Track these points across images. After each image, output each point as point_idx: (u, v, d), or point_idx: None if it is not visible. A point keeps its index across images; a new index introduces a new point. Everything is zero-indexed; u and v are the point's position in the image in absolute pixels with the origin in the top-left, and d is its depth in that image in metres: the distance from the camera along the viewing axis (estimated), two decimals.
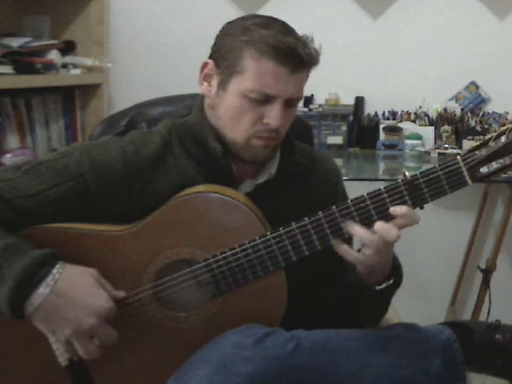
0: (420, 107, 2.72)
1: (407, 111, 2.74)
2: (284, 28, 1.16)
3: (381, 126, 2.69)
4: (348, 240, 1.14)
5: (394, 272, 1.20)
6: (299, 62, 1.14)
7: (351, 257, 1.11)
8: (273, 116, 1.15)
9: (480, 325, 1.24)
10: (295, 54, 1.13)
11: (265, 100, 1.15)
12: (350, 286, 1.21)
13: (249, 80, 1.14)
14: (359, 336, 1.12)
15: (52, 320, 1.06)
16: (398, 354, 1.10)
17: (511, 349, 1.21)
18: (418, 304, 2.82)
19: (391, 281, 1.19)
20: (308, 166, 1.30)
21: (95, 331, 1.07)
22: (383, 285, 1.18)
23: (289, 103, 1.17)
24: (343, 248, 1.11)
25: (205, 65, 1.21)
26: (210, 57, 1.21)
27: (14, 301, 1.04)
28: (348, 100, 2.74)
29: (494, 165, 1.09)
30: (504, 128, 1.09)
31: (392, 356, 1.10)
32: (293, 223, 1.12)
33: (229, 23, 1.21)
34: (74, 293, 1.06)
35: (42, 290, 1.04)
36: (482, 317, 2.53)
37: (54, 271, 1.06)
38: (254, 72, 1.14)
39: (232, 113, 1.17)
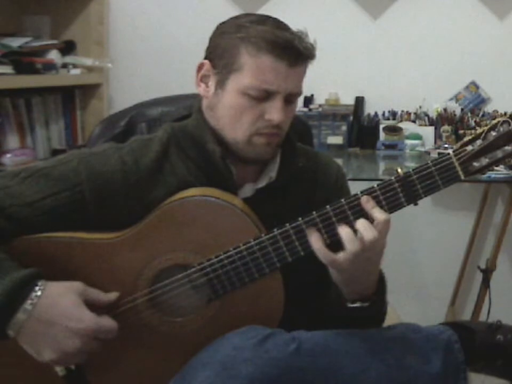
0: (420, 107, 2.72)
1: (407, 111, 2.73)
2: (279, 24, 1.15)
3: (381, 126, 2.69)
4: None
5: (376, 295, 1.16)
6: (297, 55, 1.13)
7: (323, 254, 1.07)
8: (274, 111, 1.14)
9: (481, 326, 1.24)
10: (293, 48, 1.12)
11: (265, 96, 1.14)
12: (329, 303, 1.19)
13: (248, 77, 1.13)
14: (360, 337, 1.12)
15: (36, 344, 1.04)
16: (399, 355, 1.10)
17: None
18: (418, 304, 2.82)
19: (366, 304, 1.14)
20: (310, 170, 1.29)
21: (81, 352, 1.05)
22: (357, 304, 1.14)
23: (289, 99, 1.16)
24: (317, 243, 1.08)
25: (200, 66, 1.20)
26: (205, 58, 1.20)
27: None
28: (348, 100, 2.74)
29: (486, 159, 1.09)
30: (495, 121, 1.09)
31: (393, 357, 1.09)
32: (287, 224, 1.11)
33: (222, 23, 1.20)
34: (55, 315, 1.03)
35: (21, 315, 1.02)
36: (482, 317, 2.53)
37: (33, 294, 1.03)
38: (252, 68, 1.12)
39: (232, 112, 1.16)
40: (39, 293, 1.04)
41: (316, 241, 1.08)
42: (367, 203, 1.08)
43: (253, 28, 1.13)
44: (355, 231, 1.07)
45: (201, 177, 1.19)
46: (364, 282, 1.13)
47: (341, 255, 1.06)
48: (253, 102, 1.14)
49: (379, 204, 1.09)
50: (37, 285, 1.04)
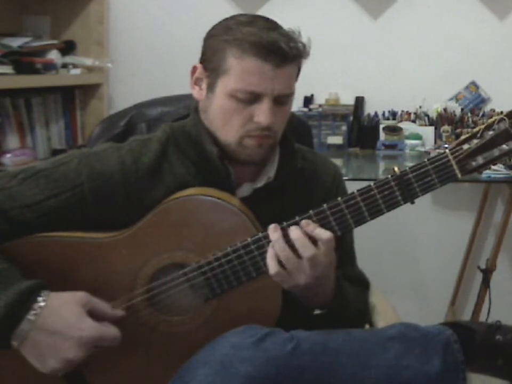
0: (420, 107, 2.72)
1: (407, 111, 2.73)
2: (268, 24, 1.14)
3: (381, 126, 2.69)
4: (338, 238, 1.12)
5: (332, 303, 1.19)
6: (283, 56, 1.12)
7: (270, 269, 1.09)
8: (262, 113, 1.13)
9: (481, 326, 1.23)
10: (278, 49, 1.11)
11: (253, 98, 1.13)
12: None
13: (234, 80, 1.13)
14: (359, 336, 1.12)
15: (39, 354, 1.04)
16: (398, 354, 1.10)
17: None
18: (418, 304, 2.82)
19: (323, 311, 1.18)
20: (308, 170, 1.29)
21: (82, 360, 1.05)
22: (316, 311, 1.18)
23: (279, 100, 1.15)
24: (269, 258, 1.09)
25: (194, 69, 1.21)
26: (199, 61, 1.20)
27: None
28: (348, 100, 2.74)
29: (483, 158, 1.08)
30: (492, 120, 1.08)
31: (392, 356, 1.09)
32: (284, 222, 1.11)
33: (214, 25, 1.20)
34: (57, 325, 1.04)
35: (25, 326, 1.03)
36: (482, 317, 2.53)
37: (36, 305, 1.04)
38: (238, 71, 1.12)
39: (222, 115, 1.16)
40: (42, 304, 1.04)
41: (270, 255, 1.09)
42: (308, 226, 1.09)
43: (238, 30, 1.12)
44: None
45: (199, 177, 1.19)
46: (320, 295, 1.16)
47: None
48: (241, 104, 1.14)
49: (376, 202, 1.09)
50: (40, 296, 1.05)
